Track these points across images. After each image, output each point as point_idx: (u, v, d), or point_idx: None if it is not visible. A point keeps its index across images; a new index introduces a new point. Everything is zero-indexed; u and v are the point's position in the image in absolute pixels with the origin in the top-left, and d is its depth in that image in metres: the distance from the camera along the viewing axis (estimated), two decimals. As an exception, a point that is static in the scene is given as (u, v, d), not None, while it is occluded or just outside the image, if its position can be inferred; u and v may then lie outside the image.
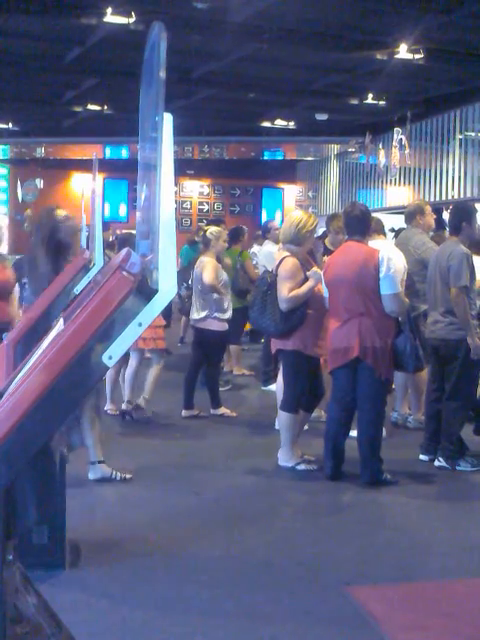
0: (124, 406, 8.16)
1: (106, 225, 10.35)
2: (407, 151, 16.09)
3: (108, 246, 9.83)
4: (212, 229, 8.69)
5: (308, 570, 4.62)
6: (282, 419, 6.65)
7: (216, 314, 8.19)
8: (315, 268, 6.53)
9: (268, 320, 6.48)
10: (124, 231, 12.32)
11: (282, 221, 11.45)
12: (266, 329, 6.79)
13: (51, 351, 1.82)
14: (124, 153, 20.28)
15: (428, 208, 8.02)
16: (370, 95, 15.27)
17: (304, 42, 11.75)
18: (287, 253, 6.51)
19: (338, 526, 5.38)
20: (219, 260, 8.53)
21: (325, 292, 6.35)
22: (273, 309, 6.42)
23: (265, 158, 21.69)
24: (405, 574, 4.63)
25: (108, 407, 8.23)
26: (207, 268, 8.14)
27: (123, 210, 22.66)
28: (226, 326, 8.34)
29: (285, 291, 6.36)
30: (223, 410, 8.48)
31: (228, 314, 8.36)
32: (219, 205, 23.44)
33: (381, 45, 11.88)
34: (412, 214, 7.92)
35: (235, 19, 10.61)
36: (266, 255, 10.23)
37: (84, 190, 12.28)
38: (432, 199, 15.84)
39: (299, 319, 6.36)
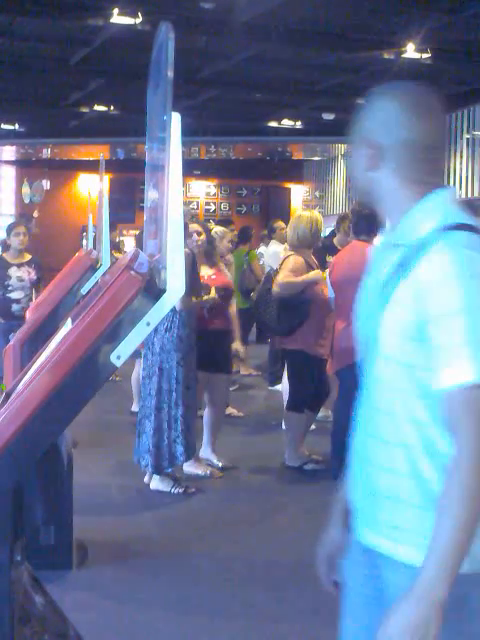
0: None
1: (113, 225, 10.38)
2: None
3: (114, 247, 9.86)
4: (217, 229, 8.67)
5: (315, 570, 4.61)
6: (288, 419, 6.65)
7: None
8: (317, 271, 6.52)
9: (270, 317, 6.48)
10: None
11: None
12: (268, 326, 6.80)
13: (59, 351, 1.81)
14: (131, 153, 20.27)
15: None
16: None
17: (311, 42, 11.73)
18: (293, 253, 6.51)
19: (345, 526, 5.37)
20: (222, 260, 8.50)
21: (330, 293, 6.34)
22: (276, 307, 6.42)
23: (272, 158, 21.66)
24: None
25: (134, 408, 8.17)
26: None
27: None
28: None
29: (281, 276, 6.36)
30: (230, 410, 8.46)
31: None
32: (225, 205, 23.40)
33: (388, 45, 11.85)
34: None
35: (241, 19, 10.60)
36: (272, 255, 10.23)
37: (90, 190, 12.30)
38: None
39: (299, 319, 6.34)
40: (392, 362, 1.87)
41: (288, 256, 6.51)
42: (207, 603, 4.20)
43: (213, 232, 8.47)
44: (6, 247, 8.19)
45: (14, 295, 7.89)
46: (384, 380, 1.91)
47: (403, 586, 1.84)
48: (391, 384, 1.88)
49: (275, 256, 9.53)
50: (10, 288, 7.89)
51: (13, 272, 7.91)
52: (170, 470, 5.88)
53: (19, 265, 7.97)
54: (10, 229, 8.12)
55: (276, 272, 6.61)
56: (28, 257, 8.08)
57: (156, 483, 5.90)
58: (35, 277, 7.95)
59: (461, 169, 15.69)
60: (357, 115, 1.90)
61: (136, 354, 6.83)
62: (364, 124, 1.88)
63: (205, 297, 6.25)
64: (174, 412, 5.78)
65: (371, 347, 1.94)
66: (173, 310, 5.68)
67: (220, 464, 6.50)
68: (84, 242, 15.37)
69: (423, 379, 1.81)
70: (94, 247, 7.26)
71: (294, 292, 6.34)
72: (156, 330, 5.75)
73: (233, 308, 7.01)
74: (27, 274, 7.93)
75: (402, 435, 1.87)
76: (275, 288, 6.36)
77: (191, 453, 5.96)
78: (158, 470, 5.83)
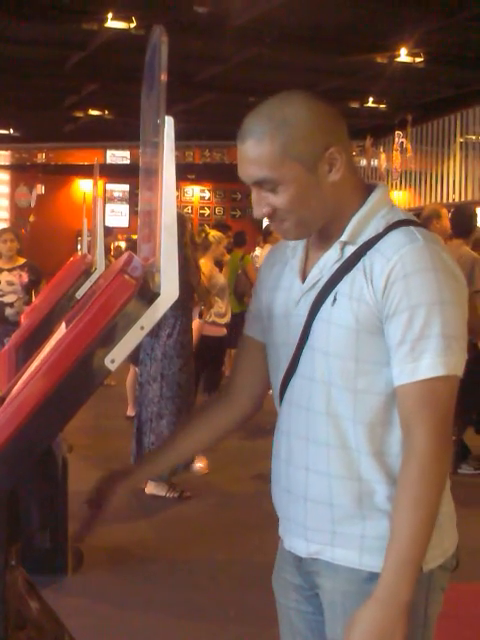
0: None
1: (109, 230, 10.38)
2: (408, 154, 16.09)
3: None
4: (214, 233, 8.67)
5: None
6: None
7: (214, 319, 8.13)
8: None
9: None
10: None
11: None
12: None
13: (53, 355, 1.81)
14: (125, 158, 20.27)
15: (444, 211, 7.82)
16: (371, 99, 15.28)
17: (304, 46, 11.75)
18: None
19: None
20: (217, 265, 8.50)
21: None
22: None
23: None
24: (408, 577, 4.62)
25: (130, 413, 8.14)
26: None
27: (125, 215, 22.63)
28: (224, 331, 8.27)
29: None
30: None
31: (226, 319, 8.32)
32: (220, 209, 23.39)
33: (381, 49, 11.89)
34: (428, 218, 7.77)
35: (236, 23, 10.62)
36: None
37: (85, 195, 12.32)
38: (433, 202, 15.84)
39: None
40: (336, 358, 1.77)
41: None
42: (204, 607, 4.20)
43: (210, 236, 8.47)
44: None
45: (6, 299, 7.88)
46: (321, 379, 1.79)
47: (342, 590, 1.81)
48: (332, 382, 1.78)
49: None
50: (0, 292, 7.88)
51: (3, 277, 7.91)
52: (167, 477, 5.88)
53: (10, 269, 7.96)
54: None
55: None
56: (22, 261, 8.08)
57: (152, 488, 5.89)
58: (28, 280, 7.93)
59: (454, 173, 15.74)
60: (266, 131, 1.77)
61: (131, 358, 6.84)
62: (286, 137, 1.75)
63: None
64: (176, 419, 5.77)
65: (295, 344, 1.83)
66: (174, 316, 5.68)
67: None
68: (79, 246, 15.37)
69: (375, 374, 1.75)
70: (89, 251, 7.26)
71: None
72: (157, 336, 5.74)
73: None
74: (18, 278, 7.92)
75: (342, 436, 1.78)
76: None
77: (190, 459, 5.95)
78: (159, 477, 5.82)
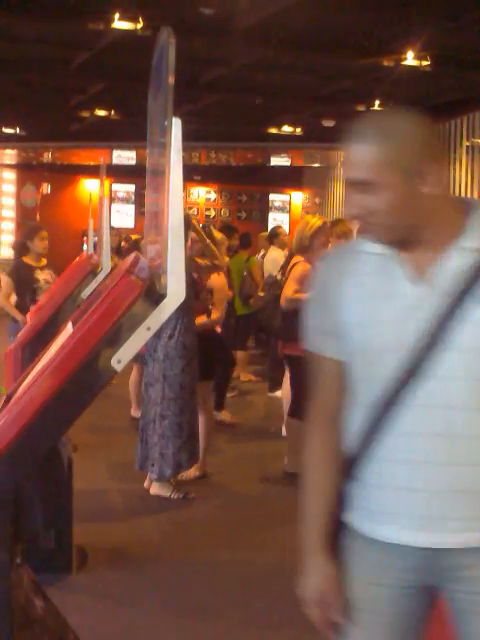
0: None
1: (114, 230, 10.35)
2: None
3: (115, 251, 9.85)
4: (215, 234, 8.66)
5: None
6: (290, 425, 6.62)
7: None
8: None
9: (278, 324, 6.51)
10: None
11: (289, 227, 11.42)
12: (275, 332, 6.81)
13: (59, 355, 1.82)
14: (131, 159, 20.27)
15: None
16: (377, 102, 15.26)
17: (311, 48, 11.74)
18: (301, 258, 6.45)
19: (344, 532, 5.37)
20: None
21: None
22: (282, 313, 6.41)
23: (272, 164, 21.66)
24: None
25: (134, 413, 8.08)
26: None
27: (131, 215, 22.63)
28: (218, 330, 8.22)
29: (289, 291, 6.31)
30: (224, 415, 8.39)
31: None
32: (226, 211, 23.37)
33: (388, 52, 11.86)
34: None
35: (242, 25, 10.61)
36: (272, 261, 10.24)
37: (91, 195, 12.30)
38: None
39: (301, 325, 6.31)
40: None
41: (295, 262, 6.44)
42: (207, 608, 4.20)
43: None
44: (25, 251, 8.03)
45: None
46: (467, 376, 1.92)
47: None
48: None
49: (274, 262, 9.53)
50: (40, 291, 7.79)
51: (39, 275, 7.84)
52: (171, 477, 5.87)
53: (41, 268, 7.90)
54: (34, 233, 7.94)
55: (284, 280, 6.55)
56: (45, 261, 8.01)
57: (156, 488, 5.89)
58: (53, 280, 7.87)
59: (460, 177, 15.69)
60: (382, 143, 1.90)
61: (135, 358, 6.81)
62: (393, 146, 1.89)
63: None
64: (179, 419, 5.75)
65: (416, 347, 1.92)
66: (176, 317, 5.66)
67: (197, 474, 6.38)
68: (85, 247, 15.39)
69: None
70: (94, 252, 7.27)
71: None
72: (159, 337, 5.72)
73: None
74: (51, 277, 7.88)
75: None
76: (283, 302, 6.33)
77: (195, 459, 5.94)
78: (161, 477, 5.82)
